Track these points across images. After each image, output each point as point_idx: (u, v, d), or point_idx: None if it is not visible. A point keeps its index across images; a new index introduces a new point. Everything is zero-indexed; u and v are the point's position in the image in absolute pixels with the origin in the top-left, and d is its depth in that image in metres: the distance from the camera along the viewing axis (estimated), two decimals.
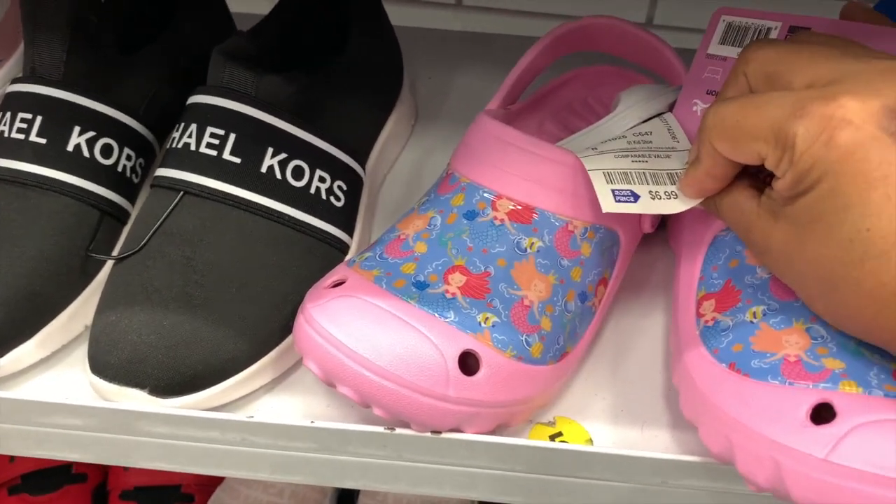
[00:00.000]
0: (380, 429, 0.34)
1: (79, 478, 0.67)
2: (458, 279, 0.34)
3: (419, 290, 0.34)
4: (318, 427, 0.34)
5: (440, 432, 0.34)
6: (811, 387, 0.30)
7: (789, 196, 0.29)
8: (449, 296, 0.34)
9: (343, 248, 0.42)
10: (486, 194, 0.37)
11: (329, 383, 0.34)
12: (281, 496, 0.60)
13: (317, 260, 0.40)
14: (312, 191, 0.40)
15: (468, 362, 0.33)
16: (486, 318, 0.34)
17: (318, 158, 0.41)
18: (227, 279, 0.37)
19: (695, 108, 0.38)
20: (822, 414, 0.29)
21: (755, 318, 0.33)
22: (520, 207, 0.36)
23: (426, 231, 0.37)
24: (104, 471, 0.69)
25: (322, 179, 0.41)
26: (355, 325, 0.32)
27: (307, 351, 0.34)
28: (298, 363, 0.39)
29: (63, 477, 0.67)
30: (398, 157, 0.51)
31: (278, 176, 0.39)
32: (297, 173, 0.40)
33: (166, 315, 0.36)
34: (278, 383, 0.39)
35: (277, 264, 0.38)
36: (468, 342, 0.33)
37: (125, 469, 0.67)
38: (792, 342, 0.31)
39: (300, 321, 0.34)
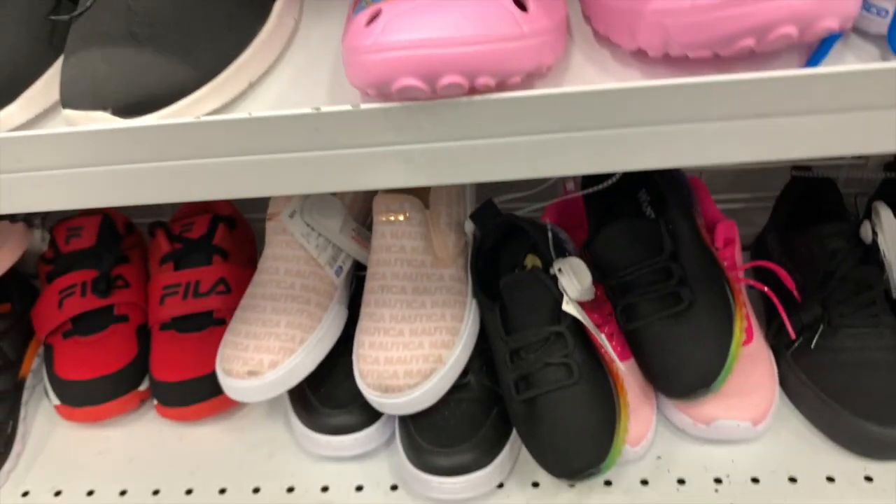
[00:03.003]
0: (391, 105, 0.39)
1: (121, 318, 0.75)
2: None
3: None
4: (327, 112, 0.39)
5: None
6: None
7: None
8: None
9: None
10: None
11: (431, 87, 0.37)
12: (293, 288, 0.66)
13: None
14: None
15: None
16: None
17: None
18: (166, 18, 0.42)
19: None
20: None
21: None
22: None
23: None
24: (144, 311, 0.76)
25: None
26: (427, 23, 0.36)
27: (399, 71, 0.37)
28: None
29: (108, 317, 0.74)
30: None
31: None
32: None
33: (117, 51, 0.41)
34: None
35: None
36: None
37: (160, 304, 0.74)
38: None
39: (372, 60, 0.37)
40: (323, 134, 0.40)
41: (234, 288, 0.74)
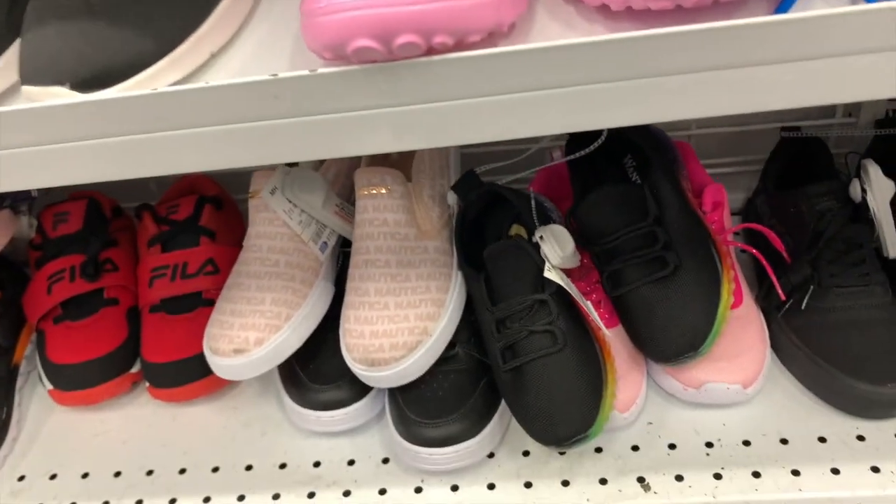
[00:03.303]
0: (348, 68, 0.38)
1: (111, 301, 0.75)
2: None
3: None
4: (284, 77, 0.38)
5: None
6: None
7: None
8: None
9: None
10: None
11: (386, 47, 0.36)
12: (277, 266, 0.66)
13: None
14: None
15: None
16: None
17: None
18: None
19: None
20: None
21: None
22: None
23: None
24: (133, 294, 0.76)
25: None
26: None
27: (353, 32, 0.36)
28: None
29: (98, 301, 0.75)
30: None
31: None
32: None
33: (74, 26, 0.41)
34: None
35: None
36: None
37: (149, 286, 0.74)
38: None
39: (325, 22, 0.37)
40: (283, 101, 0.40)
41: (222, 268, 0.74)
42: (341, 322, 0.64)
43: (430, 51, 0.38)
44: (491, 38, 0.40)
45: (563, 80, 0.39)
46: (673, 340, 0.60)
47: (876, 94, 0.40)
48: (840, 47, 0.38)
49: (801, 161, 0.74)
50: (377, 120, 0.40)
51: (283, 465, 0.66)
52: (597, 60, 0.39)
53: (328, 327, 0.67)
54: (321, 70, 0.38)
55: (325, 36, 0.37)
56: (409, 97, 0.39)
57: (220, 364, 0.63)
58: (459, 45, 0.38)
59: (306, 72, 0.38)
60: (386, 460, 0.65)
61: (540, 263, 0.60)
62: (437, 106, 0.39)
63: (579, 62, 0.39)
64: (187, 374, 0.70)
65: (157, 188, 0.87)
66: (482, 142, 0.40)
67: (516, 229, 0.68)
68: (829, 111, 0.78)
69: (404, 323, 0.61)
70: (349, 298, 0.64)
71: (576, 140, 0.68)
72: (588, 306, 0.60)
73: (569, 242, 0.60)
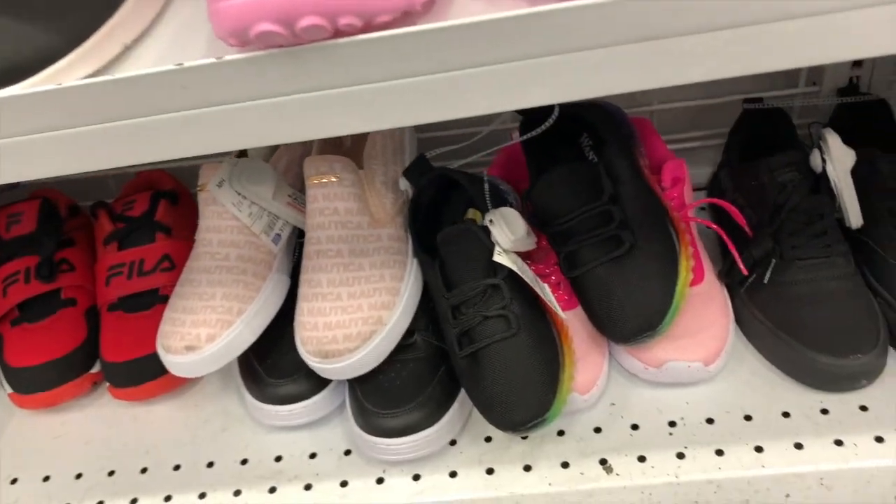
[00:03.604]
0: (255, 53, 0.37)
1: (69, 302, 0.74)
2: None
3: None
4: (190, 66, 0.37)
5: None
6: None
7: None
8: None
9: None
10: None
11: (290, 30, 0.35)
12: (228, 260, 0.65)
13: None
14: None
15: None
16: None
17: None
18: None
19: None
20: None
21: None
22: None
23: None
24: (92, 293, 0.75)
25: None
26: None
27: (255, 16, 0.35)
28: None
29: (55, 302, 0.74)
30: None
31: None
32: None
33: None
34: None
35: None
36: None
37: (106, 285, 0.73)
38: None
39: (226, 7, 0.35)
40: (193, 91, 0.38)
41: (178, 264, 0.73)
42: (295, 315, 0.63)
43: (338, 33, 0.36)
44: (406, 17, 0.39)
45: (483, 59, 0.38)
46: (630, 320, 0.59)
47: (809, 60, 0.38)
48: (763, 15, 0.37)
49: (764, 133, 0.73)
50: (288, 106, 0.38)
51: (244, 461, 0.65)
52: (518, 36, 0.37)
53: (285, 321, 0.65)
54: (227, 57, 0.37)
55: (228, 22, 0.35)
56: (318, 82, 0.38)
57: (173, 362, 0.62)
58: (369, 27, 0.37)
59: (212, 59, 0.37)
60: (348, 452, 0.64)
61: (491, 247, 0.59)
62: (348, 91, 0.38)
63: (499, 38, 0.37)
64: (147, 373, 0.69)
65: (116, 185, 0.85)
66: (401, 126, 0.39)
67: (473, 214, 0.66)
68: (792, 81, 0.77)
69: (358, 313, 0.60)
70: (302, 290, 0.63)
71: (530, 121, 0.67)
72: (544, 289, 0.59)
73: (520, 225, 0.59)
